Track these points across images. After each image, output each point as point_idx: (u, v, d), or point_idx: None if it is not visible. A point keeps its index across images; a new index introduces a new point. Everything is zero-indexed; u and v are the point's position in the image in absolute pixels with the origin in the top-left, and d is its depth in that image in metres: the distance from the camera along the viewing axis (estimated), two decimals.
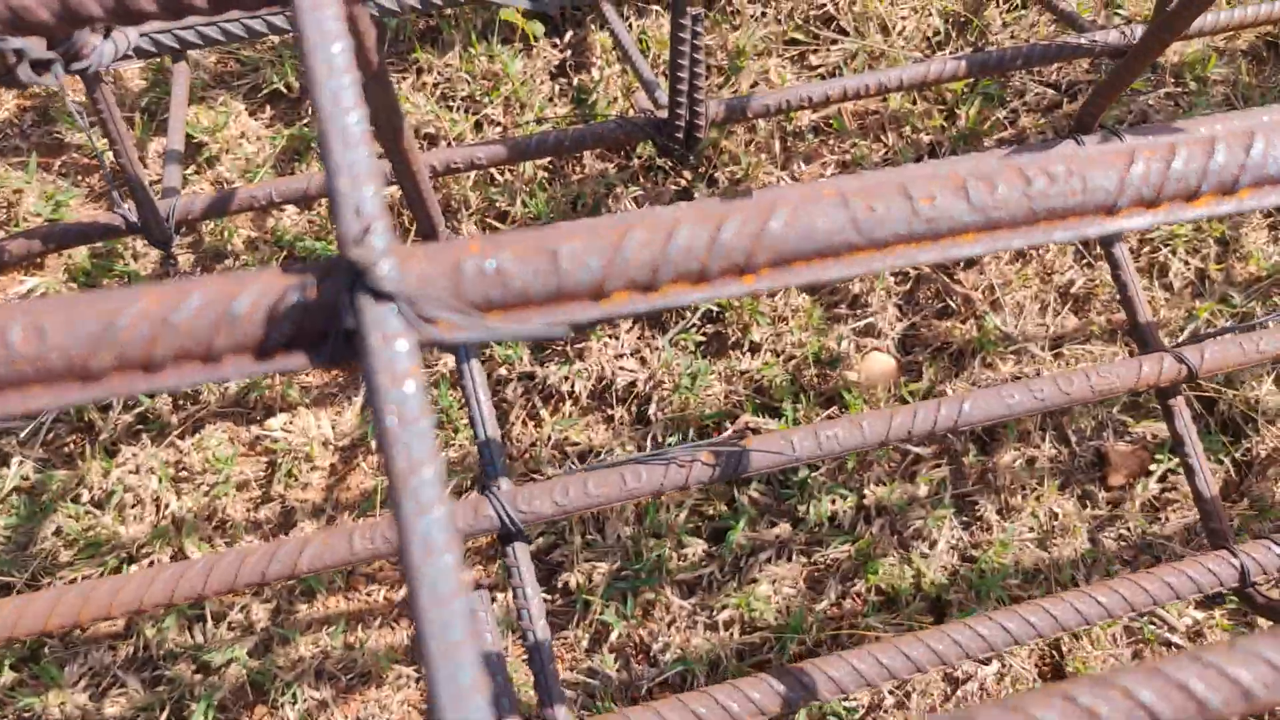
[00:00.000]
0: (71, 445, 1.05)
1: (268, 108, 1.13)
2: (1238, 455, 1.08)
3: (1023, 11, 1.24)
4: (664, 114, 0.91)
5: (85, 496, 1.02)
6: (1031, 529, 1.03)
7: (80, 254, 1.06)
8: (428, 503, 0.27)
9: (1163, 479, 1.06)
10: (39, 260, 1.09)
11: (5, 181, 1.09)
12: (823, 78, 1.20)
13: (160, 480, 1.00)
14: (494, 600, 0.99)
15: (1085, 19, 1.14)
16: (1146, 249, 1.14)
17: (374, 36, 0.42)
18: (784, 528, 1.02)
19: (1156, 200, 0.34)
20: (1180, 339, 1.09)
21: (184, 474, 1.01)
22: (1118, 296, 0.78)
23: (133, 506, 1.01)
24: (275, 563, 0.62)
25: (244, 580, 0.61)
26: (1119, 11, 1.25)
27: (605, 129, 0.91)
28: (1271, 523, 1.06)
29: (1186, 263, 1.14)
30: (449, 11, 1.15)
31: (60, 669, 0.95)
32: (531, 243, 0.30)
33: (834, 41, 1.20)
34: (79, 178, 1.11)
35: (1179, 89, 1.21)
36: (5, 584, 0.97)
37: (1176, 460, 1.06)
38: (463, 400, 1.05)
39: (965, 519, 1.04)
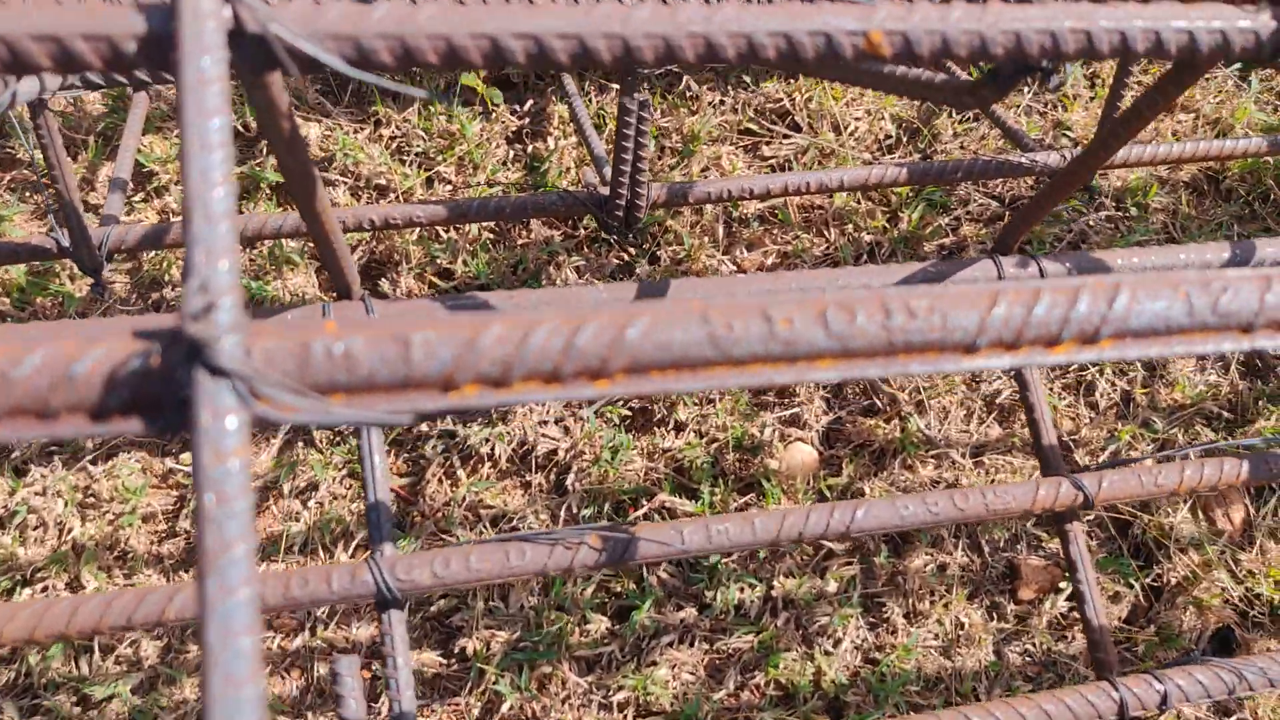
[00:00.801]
0: None
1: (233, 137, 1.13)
2: (1148, 581, 1.09)
3: (974, 124, 1.28)
4: (607, 190, 0.93)
5: None
6: (937, 636, 1.03)
7: (18, 271, 1.04)
8: (233, 584, 0.27)
9: (1072, 597, 1.07)
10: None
11: None
12: (773, 169, 1.23)
13: (66, 504, 0.98)
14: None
15: (1032, 138, 1.18)
16: (1074, 367, 1.17)
17: (286, 103, 0.43)
18: (689, 612, 1.02)
19: (1016, 343, 0.35)
20: (1100, 459, 1.11)
21: (91, 500, 0.99)
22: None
23: (35, 528, 0.98)
24: (171, 606, 0.61)
25: (140, 619, 0.59)
26: (1068, 134, 1.29)
27: (547, 200, 0.92)
28: (1177, 651, 1.07)
29: (1113, 384, 1.17)
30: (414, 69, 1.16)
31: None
32: (386, 329, 0.30)
33: (787, 136, 1.23)
34: (27, 194, 1.10)
35: (1120, 213, 1.25)
36: None
37: None
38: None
39: (872, 619, 1.04)
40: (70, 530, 0.96)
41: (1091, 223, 1.23)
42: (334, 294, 1.04)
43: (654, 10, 0.37)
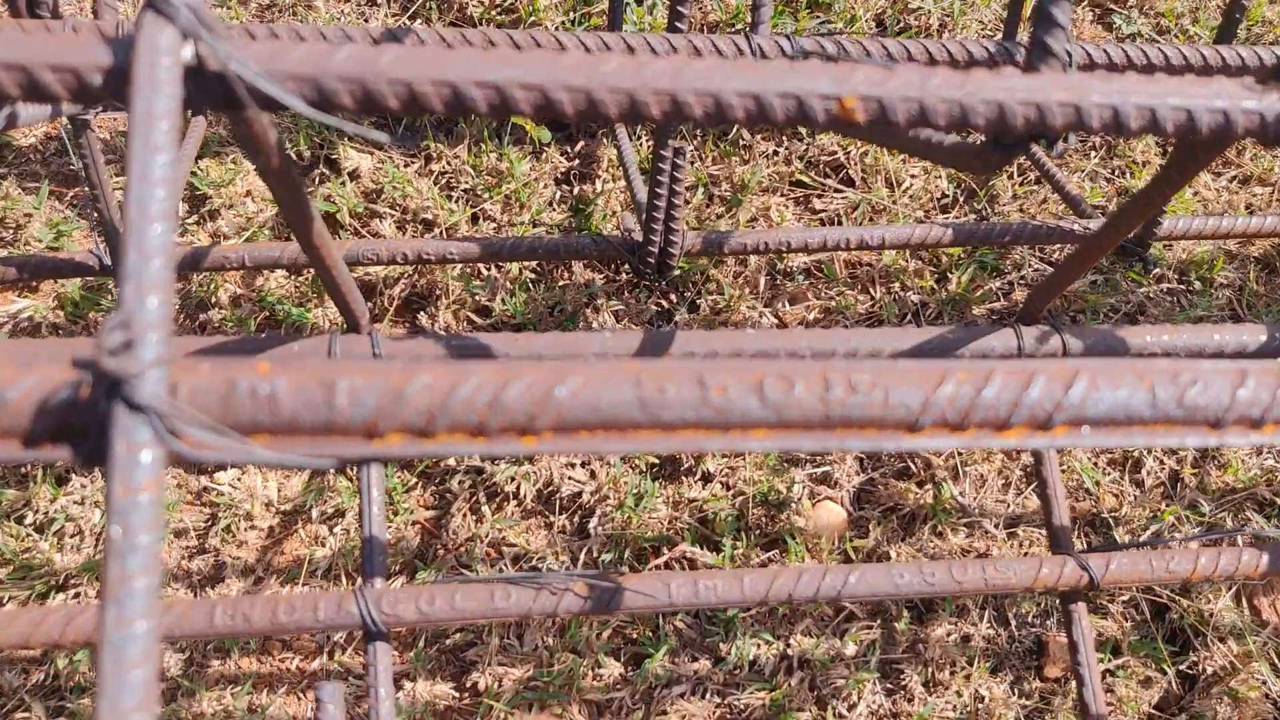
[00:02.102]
0: (27, 468, 1.06)
1: None
2: (1183, 668, 1.04)
3: (1035, 188, 1.25)
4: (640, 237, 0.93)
5: (29, 519, 1.03)
6: (955, 708, 1.00)
7: (73, 285, 1.09)
8: (129, 617, 0.27)
9: (1100, 678, 1.03)
10: (34, 285, 1.12)
11: (18, 204, 1.14)
12: (822, 223, 1.22)
13: (103, 515, 1.01)
14: (349, 693, 0.98)
15: (1092, 205, 1.15)
16: None
17: (273, 139, 0.44)
18: (704, 664, 1.00)
19: (963, 424, 0.34)
20: (1141, 538, 1.07)
21: None
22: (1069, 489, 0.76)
23: (71, 536, 1.02)
24: (194, 619, 0.62)
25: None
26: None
27: (580, 243, 0.93)
28: None
29: (1161, 462, 1.12)
30: None
31: None
32: (314, 373, 0.31)
33: (839, 190, 1.22)
34: (94, 207, 1.15)
35: (1182, 286, 1.21)
36: None
37: (1119, 662, 1.03)
38: (407, 485, 1.05)
39: (889, 686, 1.01)
40: (104, 539, 0.99)
41: (1151, 294, 1.19)
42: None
43: (620, 64, 0.37)
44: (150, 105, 0.32)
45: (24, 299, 1.11)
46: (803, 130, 1.24)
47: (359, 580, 1.02)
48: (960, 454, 1.08)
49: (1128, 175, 1.25)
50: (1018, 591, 0.64)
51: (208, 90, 0.34)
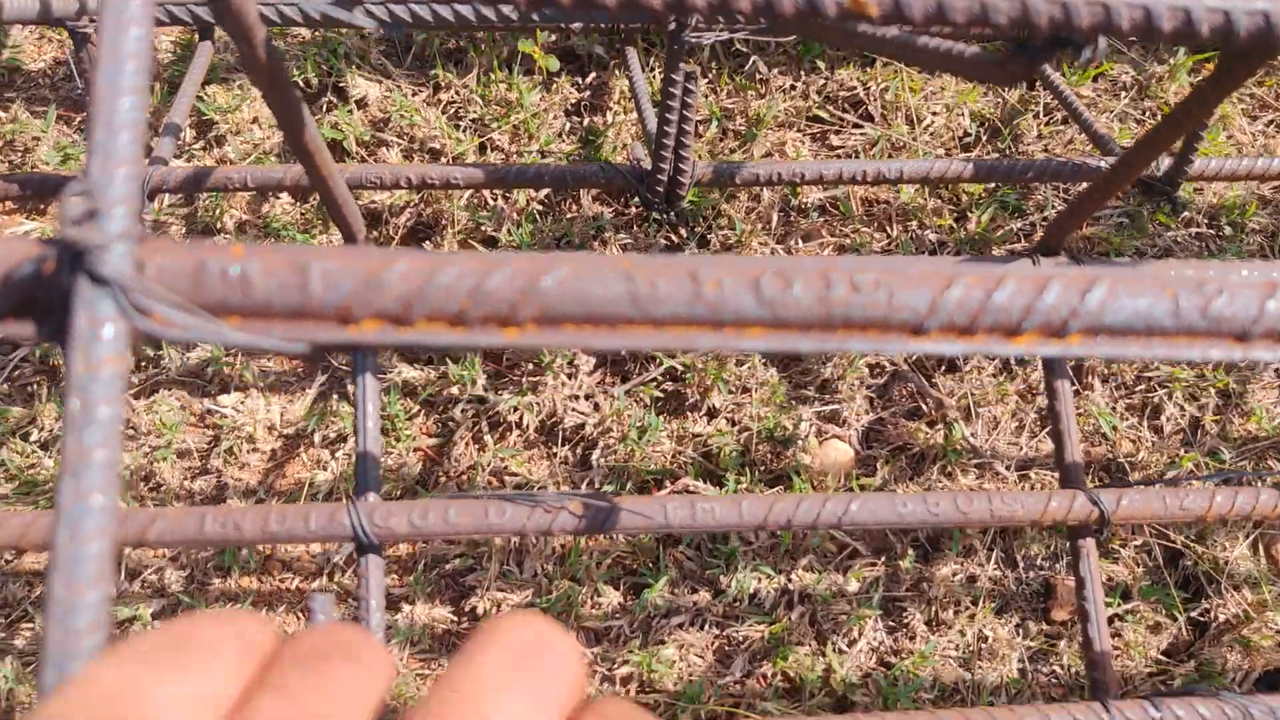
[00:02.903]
0: (34, 385, 1.06)
1: None
2: (1194, 615, 1.03)
3: (1061, 127, 1.22)
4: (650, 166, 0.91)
5: (34, 436, 1.03)
6: (958, 647, 0.99)
7: None
8: (87, 489, 0.26)
9: (1109, 622, 1.02)
10: (41, 208, 1.12)
11: (26, 128, 1.12)
12: (839, 159, 1.20)
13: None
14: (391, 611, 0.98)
15: (1118, 144, 1.12)
16: (1142, 386, 1.11)
17: (263, 37, 0.42)
18: (703, 595, 1.00)
19: (971, 329, 0.33)
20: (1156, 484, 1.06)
21: (130, 432, 1.02)
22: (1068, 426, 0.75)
23: None
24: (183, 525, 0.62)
25: (154, 537, 0.60)
26: None
27: (587, 170, 0.91)
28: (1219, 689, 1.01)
29: (1182, 408, 1.10)
30: (479, 35, 1.17)
31: None
32: (286, 256, 0.30)
33: (857, 125, 1.20)
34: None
35: (1211, 231, 1.18)
36: None
37: (1128, 607, 1.03)
38: (410, 412, 1.04)
39: (891, 623, 1.01)
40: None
41: (1179, 238, 1.17)
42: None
43: None
44: None
45: (31, 220, 1.10)
46: (821, 44, 1.21)
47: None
48: (973, 394, 1.07)
49: (1159, 116, 1.22)
50: (1024, 524, 0.63)
51: None
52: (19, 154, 1.14)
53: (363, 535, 0.57)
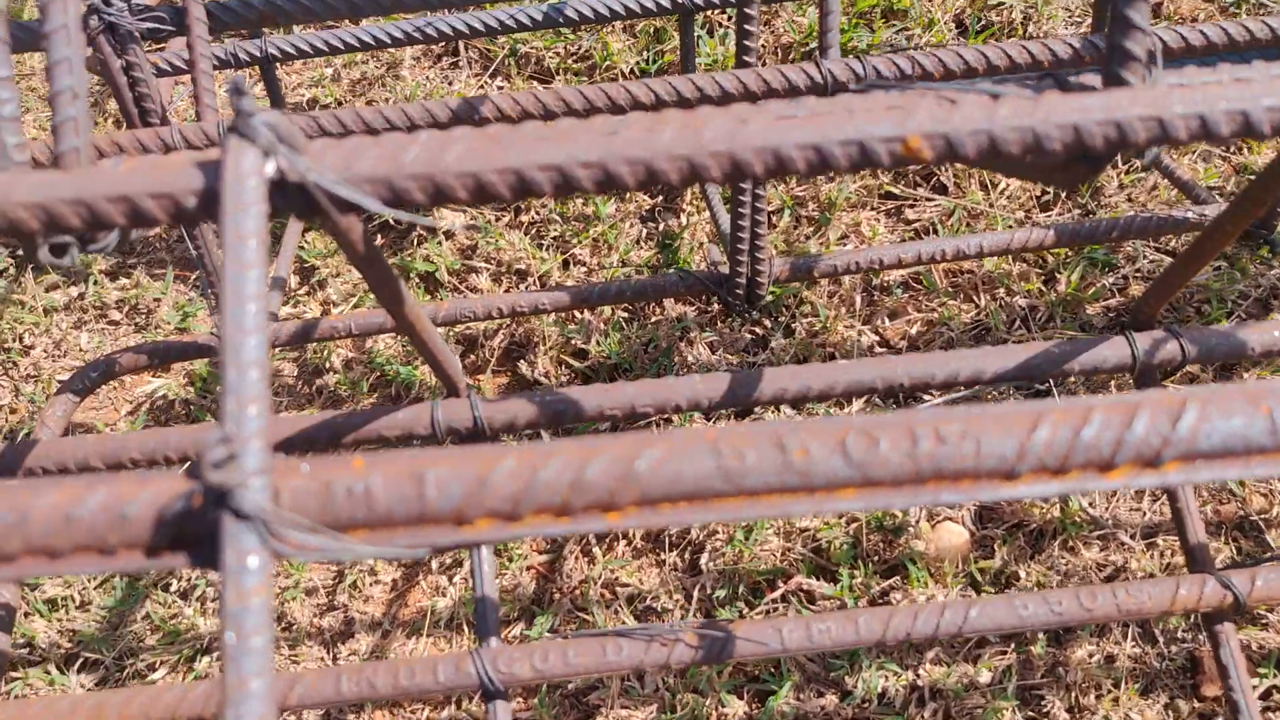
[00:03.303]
0: None
1: (378, 237, 1.22)
2: None
3: (1142, 175, 1.20)
4: (727, 269, 0.93)
5: (174, 586, 1.08)
6: None
7: (201, 364, 1.15)
8: (247, 715, 0.28)
9: (1265, 696, 0.97)
10: (165, 366, 1.19)
11: (148, 291, 1.21)
12: (917, 233, 1.20)
13: None
14: None
15: (1205, 187, 1.09)
16: None
17: (359, 231, 0.46)
18: (830, 699, 0.98)
19: (1064, 469, 0.33)
20: None
21: None
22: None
23: (213, 601, 1.07)
24: (319, 688, 0.65)
25: (295, 701, 0.63)
26: (1252, 177, 1.19)
27: (667, 281, 0.93)
28: None
29: None
30: None
31: None
32: (404, 467, 0.32)
33: (930, 199, 1.20)
34: (211, 291, 1.21)
35: None
36: (94, 660, 1.04)
37: None
38: None
39: (1030, 713, 0.97)
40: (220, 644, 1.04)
41: None
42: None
43: (677, 132, 0.37)
44: (239, 225, 0.33)
45: (158, 379, 1.18)
46: None
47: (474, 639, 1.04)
48: None
49: (1245, 151, 1.19)
50: (1154, 616, 0.61)
51: (291, 201, 0.36)
52: (143, 315, 1.23)
53: (489, 683, 0.58)
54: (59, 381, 1.17)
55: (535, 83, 1.35)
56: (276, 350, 1.13)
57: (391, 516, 0.32)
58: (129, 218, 0.36)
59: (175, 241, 1.27)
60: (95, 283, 1.20)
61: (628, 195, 1.21)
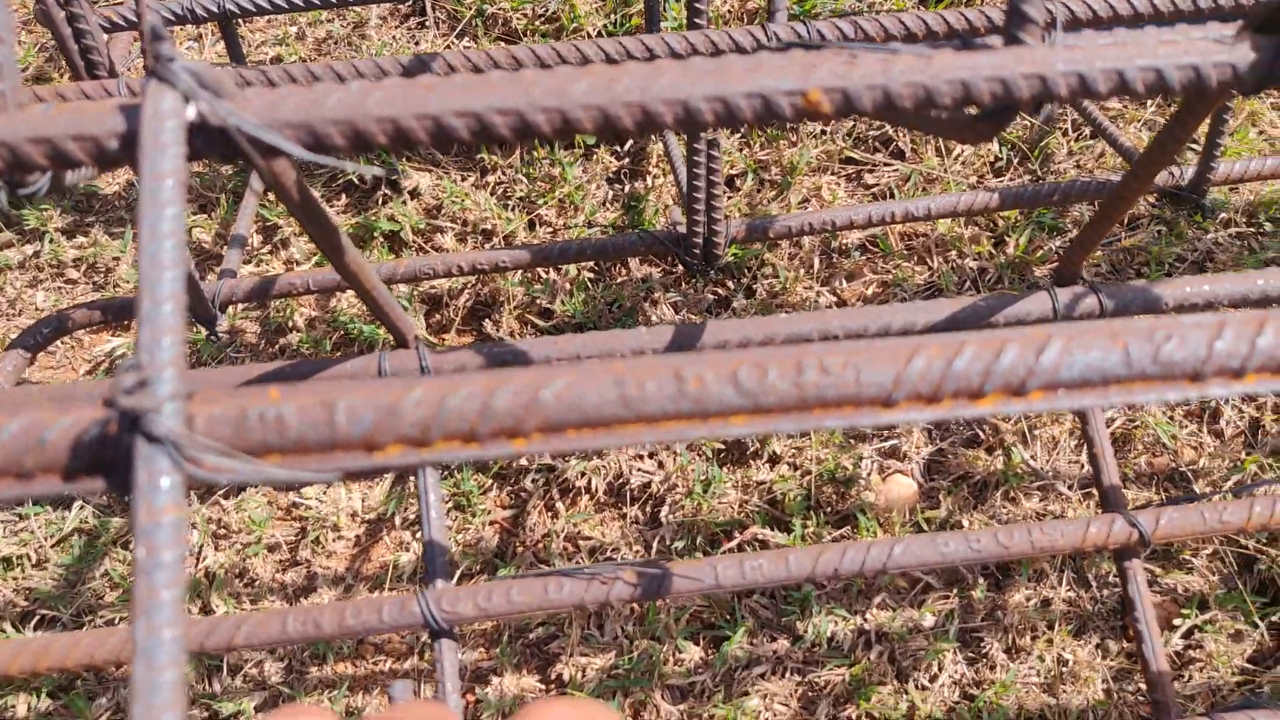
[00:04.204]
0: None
1: (343, 196, 1.23)
2: (1277, 619, 1.01)
3: (1091, 142, 1.23)
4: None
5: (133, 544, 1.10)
6: (1039, 672, 0.99)
7: None
8: (158, 626, 0.30)
9: (1188, 635, 1.01)
10: (124, 324, 1.20)
11: (106, 249, 1.22)
12: (875, 197, 1.22)
13: (201, 535, 1.07)
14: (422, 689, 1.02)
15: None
16: None
17: (292, 179, 0.47)
18: (782, 643, 1.02)
19: (937, 397, 0.35)
20: (1222, 490, 1.04)
21: (222, 532, 1.08)
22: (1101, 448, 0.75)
23: None
24: (292, 624, 0.67)
25: (242, 641, 0.66)
26: (1193, 146, 1.21)
27: (626, 240, 0.95)
28: None
29: (1240, 410, 1.09)
30: None
31: (89, 702, 1.03)
32: (316, 396, 0.34)
33: (888, 163, 1.22)
34: None
35: (1251, 229, 1.17)
36: (52, 617, 1.06)
37: (1206, 617, 1.01)
38: (483, 487, 1.09)
39: (970, 654, 1.01)
40: (204, 559, 1.06)
41: (1219, 240, 1.16)
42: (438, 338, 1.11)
43: (591, 83, 0.39)
44: (156, 165, 0.35)
45: (116, 337, 1.19)
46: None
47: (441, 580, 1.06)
48: (1028, 417, 1.07)
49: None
50: (1066, 552, 0.64)
51: (213, 144, 0.38)
52: (101, 274, 1.23)
53: (433, 621, 0.61)
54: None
55: (503, 44, 1.36)
56: (239, 308, 1.14)
57: (304, 442, 0.33)
58: (51, 159, 0.37)
59: (135, 200, 1.27)
60: (51, 241, 1.21)
61: (594, 157, 1.23)
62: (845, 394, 0.35)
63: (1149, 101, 1.23)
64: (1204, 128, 1.07)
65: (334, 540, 1.08)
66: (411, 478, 1.10)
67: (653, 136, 1.25)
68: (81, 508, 1.10)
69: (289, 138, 0.38)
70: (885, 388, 0.35)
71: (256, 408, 0.33)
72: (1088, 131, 1.21)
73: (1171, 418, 1.09)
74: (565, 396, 0.34)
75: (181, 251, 0.35)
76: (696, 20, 0.78)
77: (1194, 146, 1.22)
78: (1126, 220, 1.18)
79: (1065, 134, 1.21)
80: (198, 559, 1.06)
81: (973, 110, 0.47)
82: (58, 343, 1.20)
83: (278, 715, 0.28)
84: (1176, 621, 1.00)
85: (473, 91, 0.39)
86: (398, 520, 1.08)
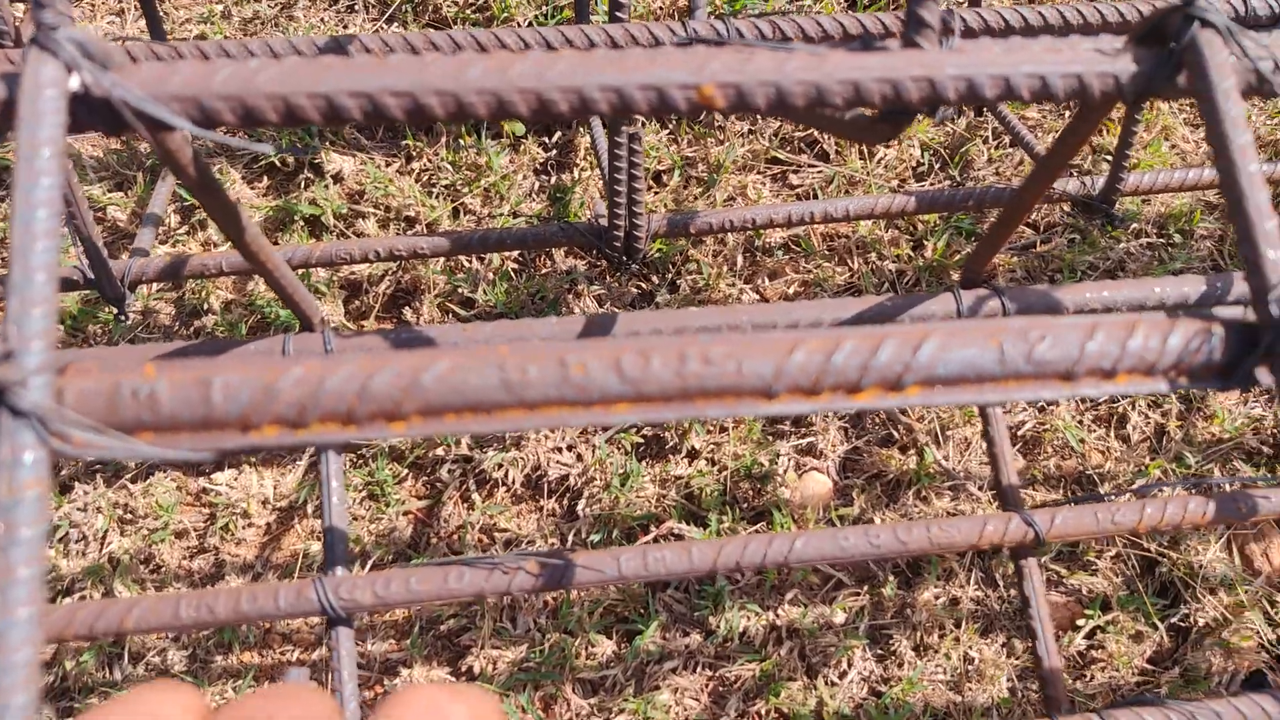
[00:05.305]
0: None
1: (265, 178, 1.20)
2: (1176, 620, 1.05)
3: (1010, 150, 1.26)
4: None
5: None
6: (945, 670, 1.01)
7: (70, 300, 1.13)
8: (13, 604, 0.29)
9: (1090, 635, 1.04)
10: None
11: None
12: (799, 197, 1.23)
13: (106, 519, 1.05)
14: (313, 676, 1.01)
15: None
16: (1105, 398, 1.13)
17: (189, 156, 0.46)
18: (694, 638, 1.02)
19: (815, 389, 0.36)
20: (1126, 493, 1.08)
21: (129, 516, 1.06)
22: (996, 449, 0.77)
23: (76, 542, 1.06)
24: (187, 609, 0.66)
25: (132, 625, 0.64)
26: (1107, 157, 1.25)
27: (548, 231, 0.95)
28: (1205, 694, 1.02)
29: (1146, 416, 1.13)
30: None
31: None
32: (192, 372, 0.33)
33: (813, 165, 1.23)
34: (74, 224, 1.18)
35: (1161, 240, 1.21)
36: None
37: (1109, 618, 1.04)
38: (398, 476, 1.08)
39: (879, 651, 1.03)
40: (109, 544, 1.03)
41: (1131, 249, 1.19)
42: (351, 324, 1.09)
43: (486, 68, 0.39)
44: (33, 134, 0.34)
45: None
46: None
47: (356, 569, 1.05)
48: (941, 418, 1.09)
49: (1104, 132, 1.25)
50: (964, 549, 0.66)
51: (97, 115, 0.37)
52: (6, 250, 1.19)
53: (330, 609, 0.60)
54: None
55: (432, 30, 1.34)
56: (154, 289, 1.12)
57: (177, 420, 0.33)
58: None
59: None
60: None
61: (521, 147, 1.22)
62: (726, 384, 0.35)
63: (1065, 110, 1.26)
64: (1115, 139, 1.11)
65: (244, 527, 1.06)
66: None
67: (580, 128, 1.25)
68: None
69: (177, 111, 0.37)
70: (766, 379, 0.35)
71: (130, 383, 0.33)
72: (1007, 140, 1.24)
73: (1080, 422, 1.12)
74: (446, 380, 0.34)
75: (55, 224, 0.34)
76: (619, 14, 0.78)
77: (1108, 158, 1.26)
78: (1042, 228, 1.22)
79: (985, 141, 1.24)
80: (102, 544, 1.04)
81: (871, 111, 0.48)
82: None
83: (138, 692, 0.27)
84: (1080, 622, 1.03)
85: (368, 72, 0.38)
86: (309, 508, 1.07)
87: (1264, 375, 0.38)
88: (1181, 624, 1.06)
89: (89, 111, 0.37)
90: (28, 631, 0.29)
